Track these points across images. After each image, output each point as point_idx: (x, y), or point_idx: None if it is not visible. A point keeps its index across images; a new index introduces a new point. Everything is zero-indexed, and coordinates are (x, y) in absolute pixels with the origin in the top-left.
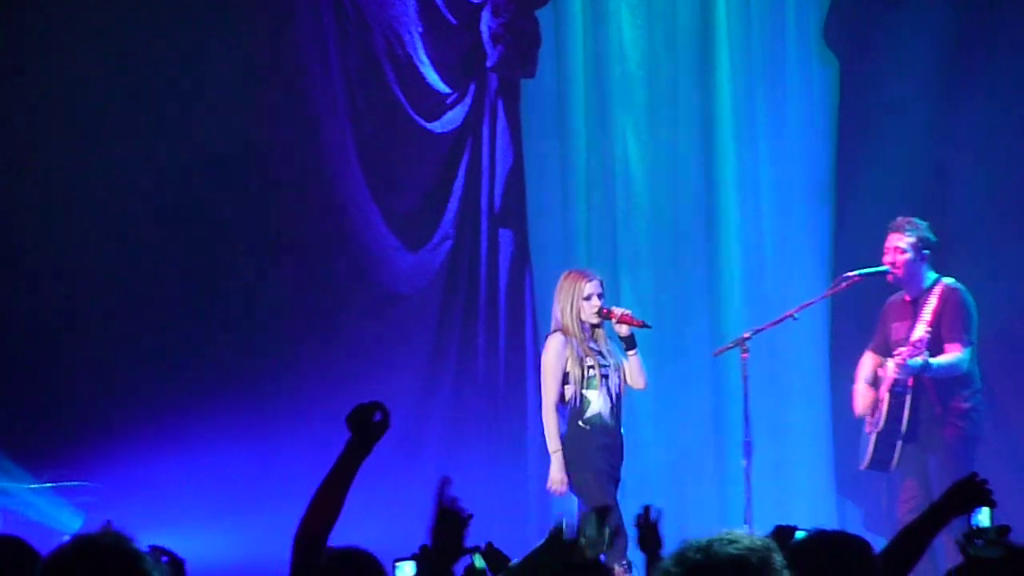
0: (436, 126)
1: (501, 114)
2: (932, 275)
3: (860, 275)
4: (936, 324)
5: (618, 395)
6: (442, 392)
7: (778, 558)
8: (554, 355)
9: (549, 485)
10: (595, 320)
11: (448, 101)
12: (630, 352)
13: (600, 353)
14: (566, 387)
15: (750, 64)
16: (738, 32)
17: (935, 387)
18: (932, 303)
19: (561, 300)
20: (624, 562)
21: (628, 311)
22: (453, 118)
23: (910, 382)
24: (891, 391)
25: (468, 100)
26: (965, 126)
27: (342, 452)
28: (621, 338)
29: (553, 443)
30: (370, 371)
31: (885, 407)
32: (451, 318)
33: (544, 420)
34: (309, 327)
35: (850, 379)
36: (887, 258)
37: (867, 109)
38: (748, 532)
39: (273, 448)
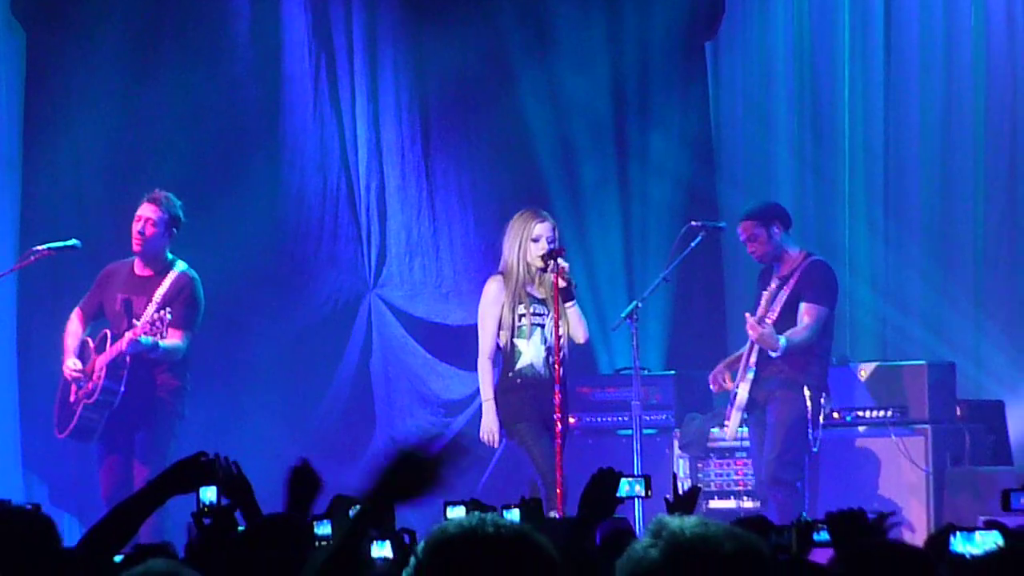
0: None
1: None
2: (172, 257)
3: (50, 248)
4: (164, 306)
5: (560, 346)
6: None
7: None
8: (488, 301)
9: (481, 435)
10: (540, 263)
11: None
12: (567, 304)
13: (540, 301)
14: (501, 333)
15: None
16: None
17: (140, 366)
18: (165, 285)
19: (510, 239)
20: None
21: (565, 264)
22: None
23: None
24: (108, 366)
25: None
26: (157, 102)
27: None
28: (559, 289)
29: (485, 391)
30: None
31: (101, 378)
32: None
33: (479, 368)
34: None
35: (40, 353)
36: (137, 226)
37: (56, 81)
38: None
39: None
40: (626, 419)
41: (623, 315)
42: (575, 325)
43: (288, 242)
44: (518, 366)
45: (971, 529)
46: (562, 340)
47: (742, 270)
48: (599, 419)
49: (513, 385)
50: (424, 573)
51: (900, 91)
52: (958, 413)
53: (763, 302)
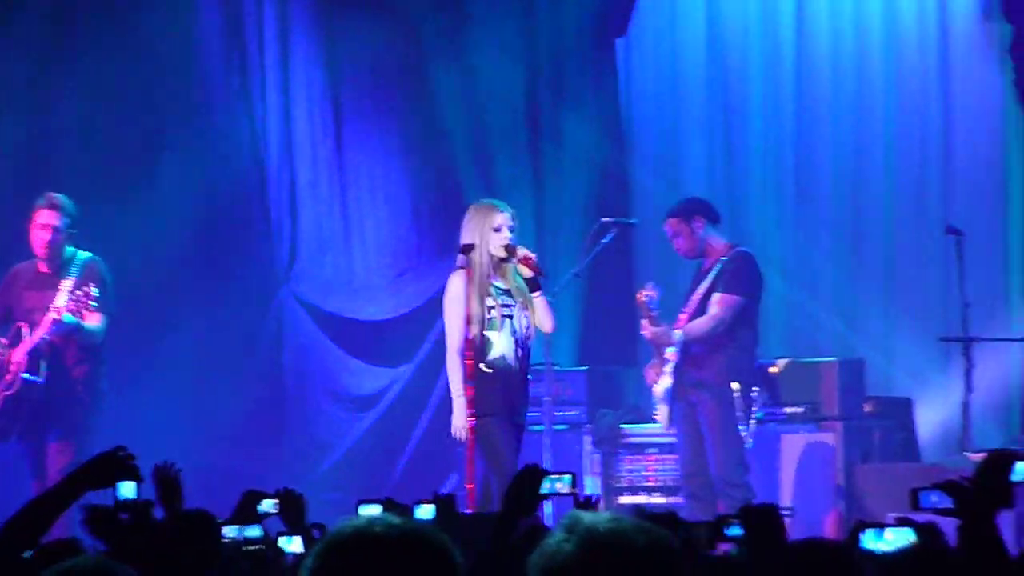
0: None
1: None
2: (72, 249)
3: None
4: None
5: (525, 337)
6: None
7: None
8: (453, 296)
9: (452, 431)
10: (502, 254)
11: None
12: (534, 294)
13: (506, 292)
14: (471, 327)
15: None
16: None
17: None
18: (73, 275)
19: (469, 231)
20: None
21: (532, 254)
22: None
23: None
24: (28, 356)
25: None
26: (68, 97)
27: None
28: (524, 279)
29: (455, 388)
30: None
31: (21, 367)
32: None
33: (448, 364)
34: None
35: None
36: (43, 235)
37: None
38: None
39: None
40: (537, 415)
41: None
42: (543, 315)
43: (200, 237)
44: (490, 357)
45: (881, 526)
46: (530, 330)
47: (653, 266)
48: None
49: (485, 377)
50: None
51: (810, 82)
52: (867, 410)
53: (642, 310)
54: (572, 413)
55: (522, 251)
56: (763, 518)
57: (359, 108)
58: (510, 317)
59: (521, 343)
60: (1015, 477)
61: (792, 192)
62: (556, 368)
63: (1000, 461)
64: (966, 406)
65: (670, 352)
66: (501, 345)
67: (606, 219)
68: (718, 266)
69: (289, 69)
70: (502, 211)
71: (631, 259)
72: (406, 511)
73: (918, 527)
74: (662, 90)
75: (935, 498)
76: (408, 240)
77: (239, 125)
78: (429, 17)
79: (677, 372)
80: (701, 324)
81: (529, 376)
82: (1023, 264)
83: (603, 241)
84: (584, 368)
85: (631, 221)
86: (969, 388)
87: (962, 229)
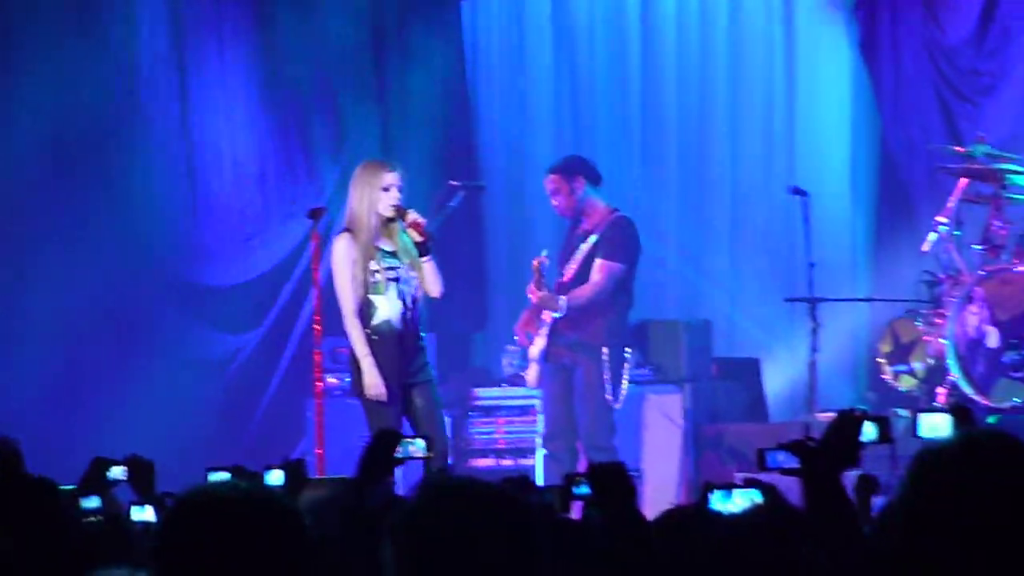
0: None
1: None
2: None
3: None
4: None
5: (414, 298)
6: None
7: None
8: (339, 259)
9: (366, 391)
10: (391, 214)
11: None
12: (423, 259)
13: (391, 254)
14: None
15: None
16: None
17: None
18: None
19: (357, 190)
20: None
21: (422, 219)
22: None
23: None
24: None
25: None
26: None
27: None
28: (414, 243)
29: (360, 348)
30: None
31: None
32: None
33: (347, 328)
34: None
35: None
36: None
37: None
38: None
39: None
40: None
41: None
42: (432, 279)
43: (49, 202)
44: (374, 322)
45: (730, 487)
46: (418, 291)
47: (503, 231)
48: None
49: (369, 342)
50: (163, 542)
51: (655, 44)
52: (715, 370)
53: (534, 274)
54: None
55: (412, 215)
56: (610, 477)
57: (204, 69)
58: (396, 280)
59: (409, 306)
60: (863, 437)
61: (639, 154)
62: None
63: (848, 421)
64: (813, 366)
65: (548, 316)
66: (386, 309)
67: (454, 182)
68: (599, 231)
69: (137, 34)
70: (391, 170)
71: (480, 222)
72: (256, 477)
73: (761, 487)
74: (508, 52)
75: (781, 458)
76: (254, 204)
77: (92, 89)
78: None
79: (552, 333)
80: (584, 292)
81: (422, 337)
82: (868, 224)
83: (451, 204)
84: (433, 332)
85: (479, 184)
86: (815, 348)
87: (806, 190)
